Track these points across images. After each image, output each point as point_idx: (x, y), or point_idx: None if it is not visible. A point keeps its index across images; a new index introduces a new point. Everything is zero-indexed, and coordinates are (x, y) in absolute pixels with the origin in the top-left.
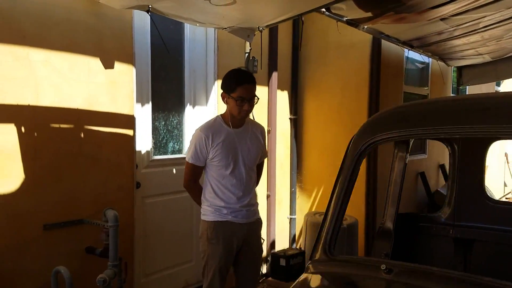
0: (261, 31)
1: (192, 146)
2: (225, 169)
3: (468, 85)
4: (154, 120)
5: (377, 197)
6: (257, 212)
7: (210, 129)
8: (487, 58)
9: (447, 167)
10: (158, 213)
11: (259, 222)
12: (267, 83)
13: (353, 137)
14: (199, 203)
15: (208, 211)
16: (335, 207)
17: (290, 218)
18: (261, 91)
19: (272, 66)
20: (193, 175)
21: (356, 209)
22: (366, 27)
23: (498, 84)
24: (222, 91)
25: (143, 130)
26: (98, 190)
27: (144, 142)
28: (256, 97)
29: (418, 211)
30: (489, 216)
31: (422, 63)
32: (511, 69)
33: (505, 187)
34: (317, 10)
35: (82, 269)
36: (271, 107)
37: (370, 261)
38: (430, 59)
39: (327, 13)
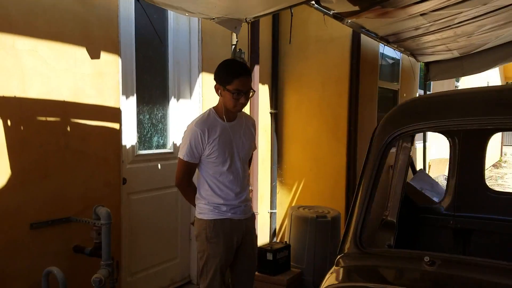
0: (248, 23)
1: (186, 142)
2: (222, 165)
3: (435, 80)
4: (138, 113)
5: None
6: (251, 206)
7: (205, 124)
8: (456, 54)
9: (414, 160)
10: (143, 210)
11: (254, 217)
12: None
13: (376, 128)
14: (193, 202)
15: (206, 209)
16: (363, 200)
17: (271, 213)
18: None
19: (254, 59)
20: (188, 173)
21: (336, 201)
22: (350, 21)
23: (458, 80)
24: (216, 82)
25: (128, 124)
26: (85, 186)
27: (129, 136)
28: (252, 90)
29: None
30: (489, 207)
31: (393, 59)
32: (476, 65)
33: None
34: (307, 2)
35: (71, 269)
36: (253, 101)
37: (410, 254)
38: (401, 55)
39: (316, 5)
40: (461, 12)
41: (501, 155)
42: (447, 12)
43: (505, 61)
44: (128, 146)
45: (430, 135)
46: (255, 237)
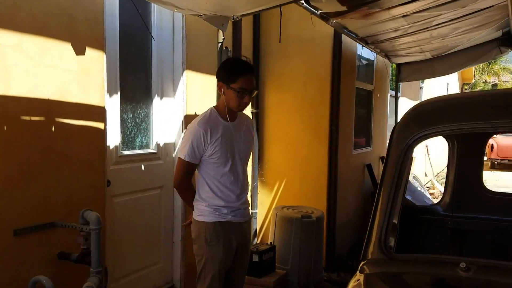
0: (235, 20)
1: (188, 141)
2: (223, 166)
3: (406, 81)
4: (122, 112)
5: (338, 189)
6: (249, 209)
7: (208, 123)
8: (428, 56)
9: None
10: (126, 213)
11: (250, 220)
12: None
13: (395, 128)
14: (191, 205)
15: (206, 212)
16: (387, 203)
17: (252, 213)
18: None
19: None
20: (188, 174)
21: (318, 201)
22: (334, 21)
23: (422, 82)
24: (218, 80)
25: (111, 123)
26: (69, 189)
27: (112, 136)
28: (255, 90)
29: (364, 200)
30: (487, 207)
31: (368, 60)
32: (446, 66)
33: (425, 177)
34: (297, 1)
35: (56, 277)
36: None
37: (442, 259)
38: (375, 56)
39: (305, 5)
40: (441, 14)
41: None
42: (428, 14)
43: (474, 63)
44: (111, 147)
45: None
46: (250, 240)
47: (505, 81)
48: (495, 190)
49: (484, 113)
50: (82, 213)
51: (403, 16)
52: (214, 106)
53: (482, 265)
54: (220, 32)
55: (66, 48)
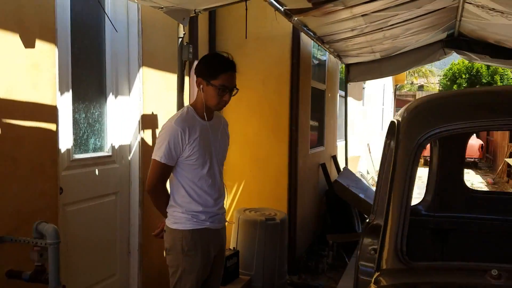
0: (197, 15)
1: (163, 142)
2: (201, 168)
3: (355, 81)
4: (74, 111)
5: (298, 191)
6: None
7: (185, 122)
8: (377, 56)
9: (340, 158)
10: (80, 222)
11: (225, 226)
12: (189, 73)
13: (399, 124)
14: (164, 212)
15: (182, 219)
16: (399, 208)
17: None
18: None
19: (194, 54)
20: (163, 178)
21: (279, 203)
22: (296, 18)
23: (365, 82)
24: (197, 76)
25: (63, 124)
26: (18, 199)
27: (64, 138)
28: (236, 88)
29: (319, 200)
30: (469, 206)
31: (320, 59)
32: (393, 67)
33: (368, 174)
34: None
35: None
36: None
37: (468, 266)
38: (327, 56)
39: (270, 0)
40: (397, 14)
41: None
42: (386, 14)
43: (419, 64)
44: (63, 150)
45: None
46: (225, 248)
47: (432, 83)
48: (476, 189)
49: (508, 110)
50: (36, 226)
51: (362, 16)
52: (190, 104)
53: None
54: (181, 27)
55: (13, 40)
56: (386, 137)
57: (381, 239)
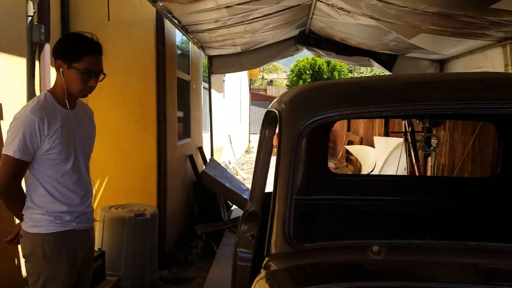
0: None
1: (17, 134)
2: (64, 163)
3: (217, 74)
4: None
5: (167, 184)
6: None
7: (43, 111)
8: (238, 50)
9: (205, 150)
10: None
11: (94, 226)
12: (39, 57)
13: (280, 114)
14: (20, 214)
15: (43, 221)
16: (286, 193)
17: None
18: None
19: (46, 35)
20: (18, 175)
21: (148, 197)
22: (161, 4)
23: (225, 75)
24: (56, 58)
25: None
26: None
27: None
28: (103, 73)
29: (187, 191)
30: (332, 189)
31: (183, 50)
32: (253, 61)
33: (229, 164)
34: None
35: None
36: (46, 85)
37: (351, 244)
38: (191, 47)
39: None
40: (258, 9)
41: (249, 142)
42: (248, 7)
43: (275, 58)
44: None
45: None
46: (94, 249)
47: (279, 78)
48: (339, 173)
49: (383, 98)
50: None
51: (226, 7)
52: (48, 90)
53: (391, 246)
54: (30, 4)
55: None
56: (262, 126)
57: (269, 226)
